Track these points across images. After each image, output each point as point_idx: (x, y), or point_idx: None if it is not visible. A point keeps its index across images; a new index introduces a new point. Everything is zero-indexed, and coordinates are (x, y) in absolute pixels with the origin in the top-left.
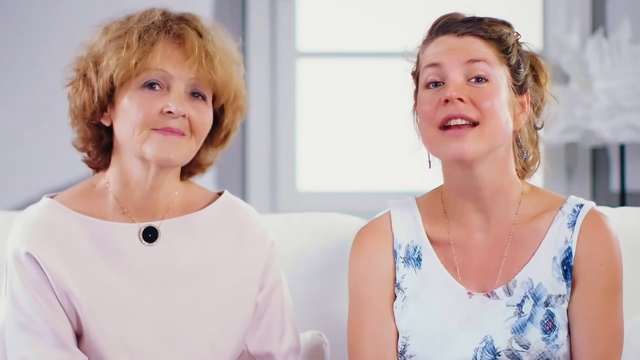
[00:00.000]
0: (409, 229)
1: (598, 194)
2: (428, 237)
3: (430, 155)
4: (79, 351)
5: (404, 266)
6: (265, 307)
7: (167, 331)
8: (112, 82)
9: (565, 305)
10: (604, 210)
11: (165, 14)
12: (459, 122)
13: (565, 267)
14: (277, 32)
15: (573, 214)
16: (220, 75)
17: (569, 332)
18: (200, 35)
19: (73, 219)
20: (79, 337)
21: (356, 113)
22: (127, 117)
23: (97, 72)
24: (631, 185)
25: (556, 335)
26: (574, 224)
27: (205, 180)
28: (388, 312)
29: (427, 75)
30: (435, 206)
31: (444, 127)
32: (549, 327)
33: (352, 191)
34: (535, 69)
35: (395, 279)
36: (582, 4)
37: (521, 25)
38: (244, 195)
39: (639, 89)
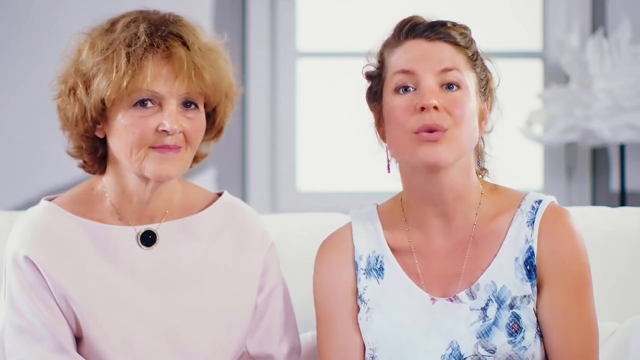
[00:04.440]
0: (370, 239)
1: (598, 194)
2: (389, 245)
3: (390, 160)
4: (78, 355)
5: (366, 278)
6: (265, 309)
7: (168, 333)
8: (103, 102)
9: (532, 305)
10: (604, 210)
11: (150, 26)
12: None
13: (528, 267)
14: (277, 32)
15: (532, 211)
16: (211, 85)
17: (540, 333)
18: (186, 45)
19: (72, 222)
20: (78, 340)
21: (356, 113)
22: (122, 136)
23: (87, 92)
24: (631, 185)
25: (523, 337)
26: (533, 222)
27: (205, 180)
28: (354, 325)
29: (398, 80)
30: (395, 214)
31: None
32: (514, 329)
33: (353, 191)
34: (485, 72)
35: (357, 291)
36: (582, 4)
37: (521, 25)
38: (244, 195)
39: (639, 89)
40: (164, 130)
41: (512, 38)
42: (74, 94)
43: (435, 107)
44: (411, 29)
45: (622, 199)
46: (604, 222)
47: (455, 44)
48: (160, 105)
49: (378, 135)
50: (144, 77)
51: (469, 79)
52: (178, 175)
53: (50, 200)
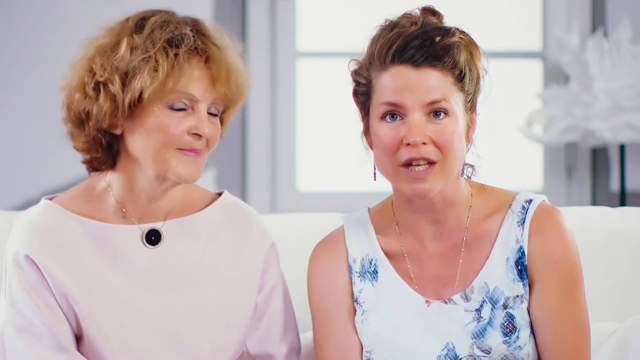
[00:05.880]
0: (363, 242)
1: (598, 194)
2: (382, 249)
3: (376, 168)
4: (79, 354)
5: (360, 280)
6: (265, 308)
7: (168, 332)
8: (139, 100)
9: (525, 304)
10: (604, 210)
11: (192, 29)
12: (420, 162)
13: (519, 267)
14: (277, 32)
15: (522, 211)
16: (238, 93)
17: (532, 332)
18: (220, 50)
19: (73, 222)
20: (78, 339)
21: (356, 113)
22: (151, 135)
23: (124, 88)
24: (631, 185)
25: (517, 337)
26: (524, 222)
27: (205, 180)
28: (350, 326)
29: (385, 110)
30: (386, 217)
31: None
32: (509, 329)
33: (353, 191)
34: (471, 51)
35: (352, 294)
36: (582, 4)
37: (521, 25)
38: (244, 195)
39: (639, 89)
40: (195, 134)
41: (512, 38)
42: (104, 87)
43: (423, 143)
44: (398, 53)
45: (622, 199)
46: (604, 222)
47: (442, 67)
48: (192, 109)
49: (366, 142)
50: (186, 79)
51: (457, 104)
52: (199, 179)
53: (50, 199)
